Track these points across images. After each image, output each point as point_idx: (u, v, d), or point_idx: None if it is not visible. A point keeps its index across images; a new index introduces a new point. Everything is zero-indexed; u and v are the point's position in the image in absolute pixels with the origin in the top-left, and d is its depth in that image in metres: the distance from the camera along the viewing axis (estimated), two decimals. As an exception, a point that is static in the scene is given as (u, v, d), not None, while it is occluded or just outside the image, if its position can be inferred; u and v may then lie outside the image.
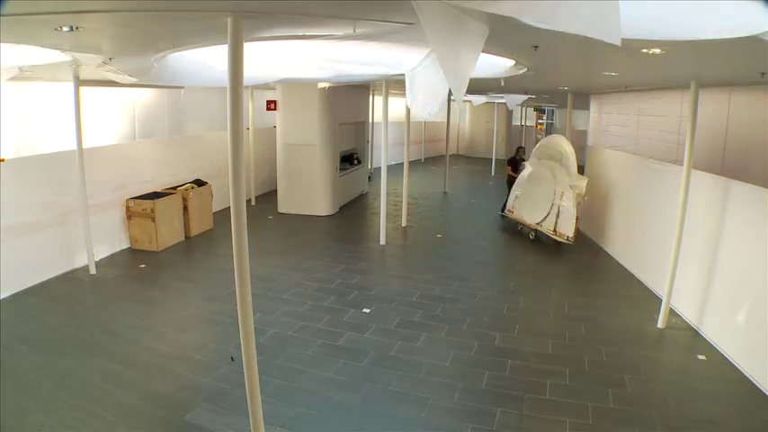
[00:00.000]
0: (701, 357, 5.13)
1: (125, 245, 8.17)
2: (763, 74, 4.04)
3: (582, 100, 11.00)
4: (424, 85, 4.67)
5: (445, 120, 15.63)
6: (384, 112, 8.75)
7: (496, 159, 19.14)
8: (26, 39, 3.53)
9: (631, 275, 7.48)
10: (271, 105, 10.98)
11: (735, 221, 5.20)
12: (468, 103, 20.90)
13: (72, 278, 6.84)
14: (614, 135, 9.12)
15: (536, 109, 21.87)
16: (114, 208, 7.87)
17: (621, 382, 4.64)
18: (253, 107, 11.30)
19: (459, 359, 5.04)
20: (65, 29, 2.89)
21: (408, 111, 9.70)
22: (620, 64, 4.63)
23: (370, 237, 9.10)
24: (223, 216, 9.90)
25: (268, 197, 12.06)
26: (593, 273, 7.90)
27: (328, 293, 6.58)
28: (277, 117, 10.97)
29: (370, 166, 15.30)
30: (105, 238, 7.69)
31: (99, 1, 2.44)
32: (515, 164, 10.70)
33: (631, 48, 3.11)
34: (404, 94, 10.49)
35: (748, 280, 4.81)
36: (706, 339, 5.47)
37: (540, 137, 18.87)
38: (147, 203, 7.95)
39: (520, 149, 11.21)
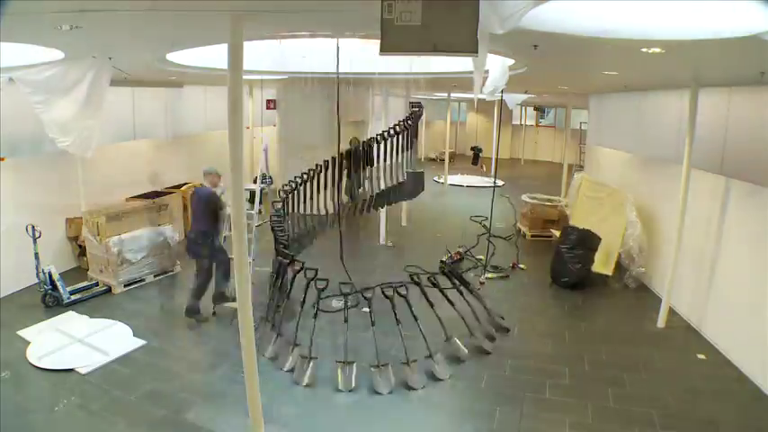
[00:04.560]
0: (701, 357, 5.14)
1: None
2: (763, 73, 4.04)
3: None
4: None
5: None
6: (384, 110, 8.76)
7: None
8: (25, 38, 3.53)
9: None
10: (270, 104, 10.97)
11: (735, 221, 5.21)
12: (466, 102, 20.94)
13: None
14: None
15: (536, 108, 21.89)
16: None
17: (621, 381, 4.64)
18: (253, 105, 11.30)
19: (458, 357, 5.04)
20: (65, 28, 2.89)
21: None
22: (619, 63, 4.63)
23: (370, 236, 9.09)
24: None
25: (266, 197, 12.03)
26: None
27: (327, 292, 6.56)
28: (277, 116, 10.97)
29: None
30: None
31: (99, 1, 2.44)
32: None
33: (631, 47, 3.11)
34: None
35: (748, 279, 4.81)
36: (706, 339, 5.48)
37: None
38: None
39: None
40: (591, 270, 7.00)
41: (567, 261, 6.96)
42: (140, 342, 5.16)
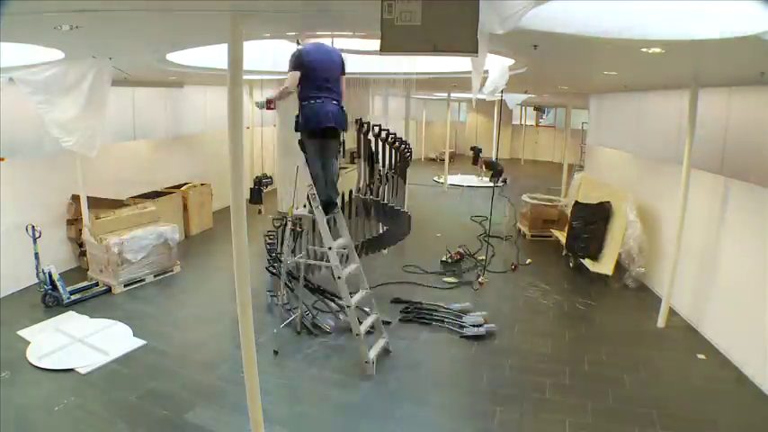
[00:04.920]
0: (701, 357, 5.13)
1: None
2: (763, 73, 4.04)
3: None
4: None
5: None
6: (384, 110, 8.78)
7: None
8: (25, 38, 3.53)
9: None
10: (270, 104, 10.95)
11: (735, 221, 5.20)
12: (466, 102, 20.91)
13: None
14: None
15: (536, 108, 21.89)
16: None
17: (621, 381, 4.64)
18: (253, 105, 11.27)
19: (459, 358, 5.04)
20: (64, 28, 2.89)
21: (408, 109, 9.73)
22: (619, 63, 4.63)
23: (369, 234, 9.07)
24: (224, 215, 9.92)
25: (267, 197, 12.02)
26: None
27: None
28: (277, 116, 10.96)
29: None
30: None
31: (99, 0, 2.44)
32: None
33: (631, 47, 3.12)
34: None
35: (748, 279, 4.81)
36: (706, 339, 5.47)
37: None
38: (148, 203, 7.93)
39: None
40: (603, 241, 7.37)
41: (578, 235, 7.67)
42: (140, 342, 5.15)
